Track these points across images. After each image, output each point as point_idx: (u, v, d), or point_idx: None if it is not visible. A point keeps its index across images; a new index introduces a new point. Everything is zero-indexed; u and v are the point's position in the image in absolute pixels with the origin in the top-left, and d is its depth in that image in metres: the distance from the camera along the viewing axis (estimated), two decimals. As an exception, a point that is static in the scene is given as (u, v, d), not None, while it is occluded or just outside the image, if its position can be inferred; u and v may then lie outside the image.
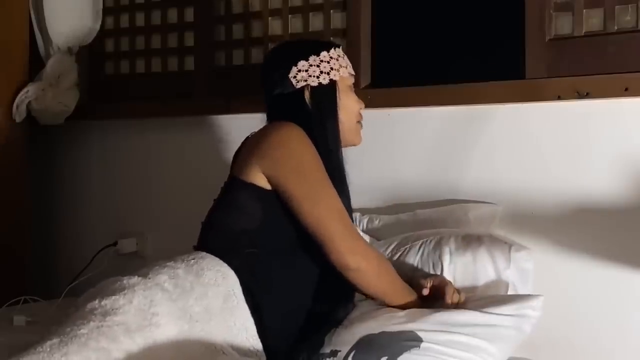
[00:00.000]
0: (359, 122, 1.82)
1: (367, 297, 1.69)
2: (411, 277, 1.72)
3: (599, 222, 1.86)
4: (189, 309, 1.44)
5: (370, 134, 1.89)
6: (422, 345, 1.50)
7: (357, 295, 1.69)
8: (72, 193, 2.87)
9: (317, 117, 1.72)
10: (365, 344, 1.52)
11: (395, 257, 1.86)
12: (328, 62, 1.75)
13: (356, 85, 1.92)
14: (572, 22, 1.95)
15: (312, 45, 1.78)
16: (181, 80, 2.63)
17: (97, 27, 2.74)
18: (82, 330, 1.33)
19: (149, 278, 1.47)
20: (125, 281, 1.45)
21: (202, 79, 2.58)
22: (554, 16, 1.97)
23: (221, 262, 1.55)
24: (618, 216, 1.83)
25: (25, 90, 2.60)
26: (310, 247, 1.61)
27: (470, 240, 1.82)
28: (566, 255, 1.89)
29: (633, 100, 1.81)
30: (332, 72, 1.74)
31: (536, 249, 1.87)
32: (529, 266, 1.80)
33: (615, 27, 1.90)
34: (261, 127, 1.74)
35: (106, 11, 2.78)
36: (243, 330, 1.49)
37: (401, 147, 2.16)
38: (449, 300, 1.61)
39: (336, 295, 1.65)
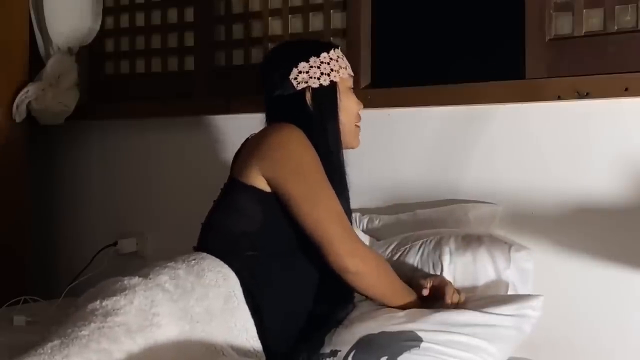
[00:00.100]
0: (357, 125, 1.82)
1: (367, 298, 1.69)
2: (411, 277, 1.72)
3: (599, 222, 1.86)
4: (189, 310, 1.45)
5: (370, 134, 1.89)
6: (422, 345, 1.50)
7: (357, 296, 1.69)
8: (72, 193, 2.87)
9: (318, 118, 1.72)
10: (365, 344, 1.52)
11: (395, 257, 1.86)
12: (328, 64, 1.74)
13: (356, 85, 1.92)
14: (572, 22, 1.95)
15: (312, 46, 1.78)
16: (181, 80, 2.63)
17: (97, 27, 2.74)
18: (83, 332, 1.33)
19: (150, 278, 1.47)
20: (126, 281, 1.45)
21: (202, 79, 2.58)
22: (554, 16, 1.97)
23: (222, 263, 1.56)
24: (618, 216, 1.83)
25: (25, 90, 2.60)
26: (309, 249, 1.61)
27: (470, 240, 1.82)
28: (566, 255, 1.89)
29: (633, 100, 1.81)
30: (333, 74, 1.74)
31: (536, 249, 1.87)
32: (529, 266, 1.80)
33: (615, 27, 1.90)
34: (261, 127, 1.74)
35: (106, 11, 2.78)
36: (243, 331, 1.50)
37: (401, 147, 2.16)
38: (448, 300, 1.61)
39: (336, 296, 1.65)
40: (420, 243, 1.86)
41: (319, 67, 1.73)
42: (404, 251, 1.87)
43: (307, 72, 1.73)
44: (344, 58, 1.80)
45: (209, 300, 1.48)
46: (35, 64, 2.67)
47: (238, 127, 2.02)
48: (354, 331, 1.56)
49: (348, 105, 1.77)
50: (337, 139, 1.73)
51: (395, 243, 1.91)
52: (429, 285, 1.66)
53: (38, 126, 2.71)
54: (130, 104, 2.69)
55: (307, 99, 1.73)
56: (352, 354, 1.52)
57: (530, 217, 1.94)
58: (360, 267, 1.58)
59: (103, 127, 2.78)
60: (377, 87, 2.23)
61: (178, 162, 2.61)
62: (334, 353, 1.54)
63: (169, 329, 1.39)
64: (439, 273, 1.77)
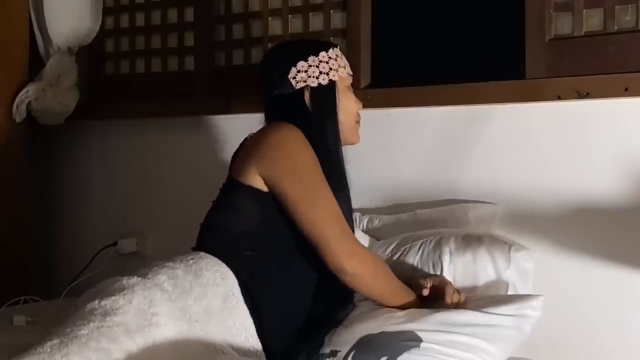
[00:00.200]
0: (357, 122, 1.82)
1: (366, 298, 1.69)
2: (411, 277, 1.72)
3: (599, 222, 1.86)
4: (188, 309, 1.45)
5: (370, 134, 1.89)
6: (422, 345, 1.50)
7: (357, 296, 1.69)
8: (72, 193, 2.87)
9: (317, 117, 1.72)
10: (365, 344, 1.52)
11: (395, 257, 1.86)
12: (327, 63, 1.74)
13: (356, 85, 1.92)
14: (572, 22, 1.95)
15: (311, 46, 1.78)
16: (181, 80, 2.63)
17: (97, 27, 2.74)
18: (82, 331, 1.33)
19: (148, 278, 1.47)
20: (124, 281, 1.45)
21: (202, 79, 2.58)
22: (554, 16, 1.97)
23: (220, 262, 1.55)
24: (618, 216, 1.83)
25: (25, 90, 2.60)
26: (308, 249, 1.60)
27: (470, 240, 1.82)
28: (566, 255, 1.89)
29: (633, 100, 1.81)
30: (331, 73, 1.74)
31: (536, 249, 1.87)
32: (529, 266, 1.80)
33: (615, 27, 1.90)
34: (260, 127, 1.74)
35: (106, 11, 2.78)
36: (242, 330, 1.49)
37: (401, 147, 2.16)
38: (448, 300, 1.61)
39: (335, 297, 1.65)
40: (420, 243, 1.86)
41: (317, 66, 1.73)
42: (403, 251, 1.87)
43: (306, 71, 1.73)
44: (343, 57, 1.80)
45: (208, 300, 1.48)
46: (35, 64, 2.67)
47: (238, 127, 2.01)
48: (354, 331, 1.56)
49: (347, 104, 1.77)
50: (336, 138, 1.73)
51: (395, 243, 1.91)
52: (429, 285, 1.66)
53: (38, 126, 2.71)
54: (130, 104, 2.69)
55: (306, 98, 1.73)
56: (351, 354, 1.52)
57: (530, 217, 1.94)
58: (358, 269, 1.57)
59: (103, 127, 2.79)
60: (377, 87, 2.23)
61: (178, 162, 2.61)
62: (334, 353, 1.54)
63: (167, 328, 1.39)
64: (439, 273, 1.77)
